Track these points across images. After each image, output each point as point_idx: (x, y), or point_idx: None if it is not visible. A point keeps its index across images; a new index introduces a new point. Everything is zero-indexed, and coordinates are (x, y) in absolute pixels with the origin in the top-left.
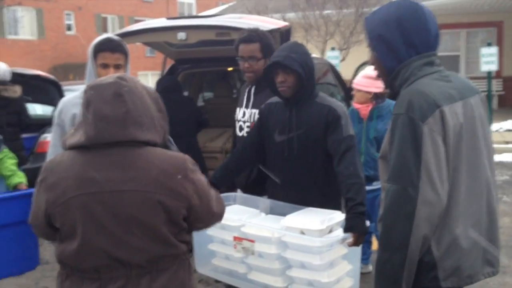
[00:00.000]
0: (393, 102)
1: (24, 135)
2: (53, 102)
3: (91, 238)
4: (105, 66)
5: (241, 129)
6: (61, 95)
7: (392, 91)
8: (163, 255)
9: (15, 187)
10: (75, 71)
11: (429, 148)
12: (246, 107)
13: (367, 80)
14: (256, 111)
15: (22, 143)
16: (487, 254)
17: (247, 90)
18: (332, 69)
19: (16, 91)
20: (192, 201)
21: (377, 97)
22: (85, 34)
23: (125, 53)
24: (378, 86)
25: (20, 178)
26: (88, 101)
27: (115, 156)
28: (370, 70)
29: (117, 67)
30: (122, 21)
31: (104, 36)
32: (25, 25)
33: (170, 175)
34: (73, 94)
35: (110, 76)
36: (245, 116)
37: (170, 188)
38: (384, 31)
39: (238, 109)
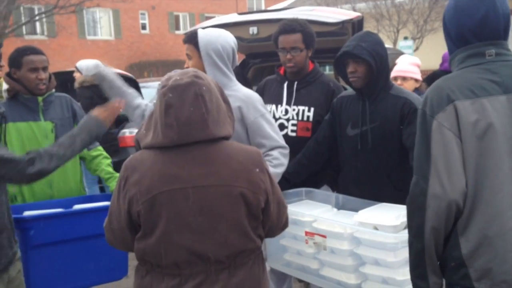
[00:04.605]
0: None
1: None
2: None
3: (174, 233)
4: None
5: (282, 127)
6: (138, 92)
7: None
8: (242, 250)
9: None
10: (149, 68)
11: (437, 143)
12: (288, 104)
13: (415, 67)
14: (304, 108)
15: (116, 135)
16: None
17: (286, 86)
18: None
19: None
20: (269, 193)
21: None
22: (159, 32)
23: (193, 43)
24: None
25: None
26: (168, 105)
27: (196, 153)
28: (413, 57)
29: (188, 57)
30: (193, 18)
31: None
32: (103, 25)
33: (249, 168)
34: None
35: (186, 74)
36: (288, 113)
37: (249, 181)
38: (446, 18)
39: (273, 105)
